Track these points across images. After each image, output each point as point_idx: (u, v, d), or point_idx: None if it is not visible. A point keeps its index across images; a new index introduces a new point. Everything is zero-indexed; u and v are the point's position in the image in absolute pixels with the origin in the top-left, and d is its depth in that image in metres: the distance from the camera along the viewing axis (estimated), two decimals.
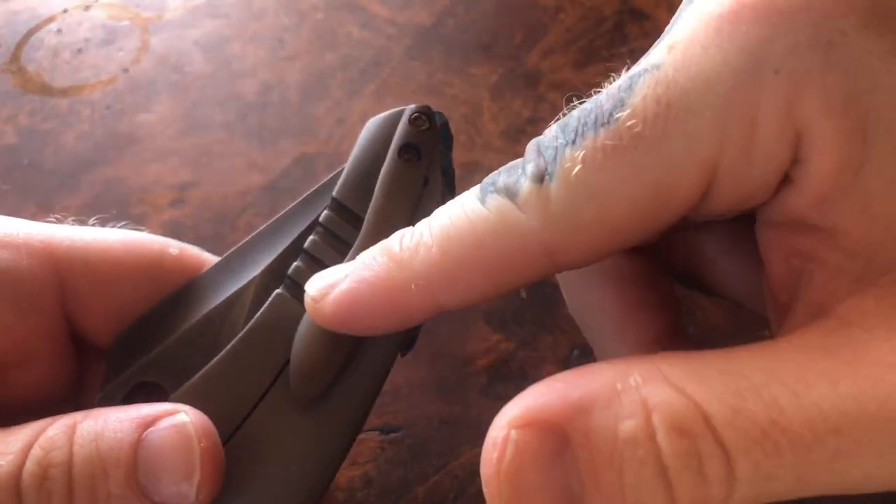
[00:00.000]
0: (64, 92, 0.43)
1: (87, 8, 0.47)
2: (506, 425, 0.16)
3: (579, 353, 0.33)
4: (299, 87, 0.43)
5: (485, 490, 0.16)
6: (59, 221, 0.24)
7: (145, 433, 0.20)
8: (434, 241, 0.19)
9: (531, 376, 0.32)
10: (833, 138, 0.17)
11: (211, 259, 0.25)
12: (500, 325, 0.34)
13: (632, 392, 0.16)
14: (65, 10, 0.47)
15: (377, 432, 0.31)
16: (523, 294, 0.35)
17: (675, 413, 0.15)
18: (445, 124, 0.25)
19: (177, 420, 0.20)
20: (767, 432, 0.15)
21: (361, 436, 0.31)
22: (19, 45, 0.45)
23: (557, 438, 0.16)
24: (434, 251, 0.19)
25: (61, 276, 0.23)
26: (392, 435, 0.31)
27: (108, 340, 0.24)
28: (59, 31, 0.46)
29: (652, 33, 0.45)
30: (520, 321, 0.34)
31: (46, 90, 0.43)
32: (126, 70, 0.44)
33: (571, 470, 0.16)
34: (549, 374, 0.33)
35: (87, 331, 0.24)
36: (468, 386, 0.32)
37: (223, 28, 0.46)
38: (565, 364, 0.32)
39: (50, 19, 0.47)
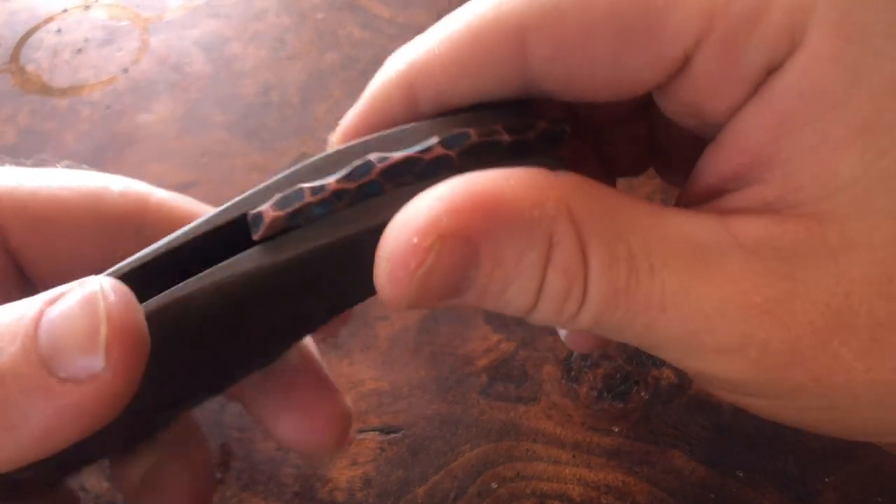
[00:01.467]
0: (63, 92, 0.43)
1: (86, 8, 0.47)
2: (433, 233, 0.17)
3: (579, 354, 0.33)
4: (299, 87, 0.43)
5: (387, 283, 0.18)
6: None
7: (48, 307, 0.17)
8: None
9: (531, 376, 0.32)
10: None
11: (167, 199, 0.24)
12: (500, 325, 0.34)
13: (544, 224, 0.18)
14: (64, 10, 0.47)
15: (377, 432, 0.31)
16: None
17: (569, 257, 0.18)
18: None
19: (84, 289, 0.17)
20: (619, 294, 0.18)
21: (361, 436, 0.31)
22: (19, 45, 0.45)
23: (471, 251, 0.18)
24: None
25: None
26: (392, 435, 0.31)
27: (54, 281, 0.21)
28: (58, 31, 0.46)
29: None
30: (520, 321, 0.34)
31: (46, 90, 0.43)
32: (126, 70, 0.44)
33: (471, 272, 0.18)
34: (549, 374, 0.33)
35: (33, 273, 0.23)
36: (468, 386, 0.32)
37: (223, 28, 0.46)
38: (565, 364, 0.33)
39: (50, 19, 0.47)
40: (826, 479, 0.29)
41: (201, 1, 0.47)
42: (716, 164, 0.20)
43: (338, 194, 0.19)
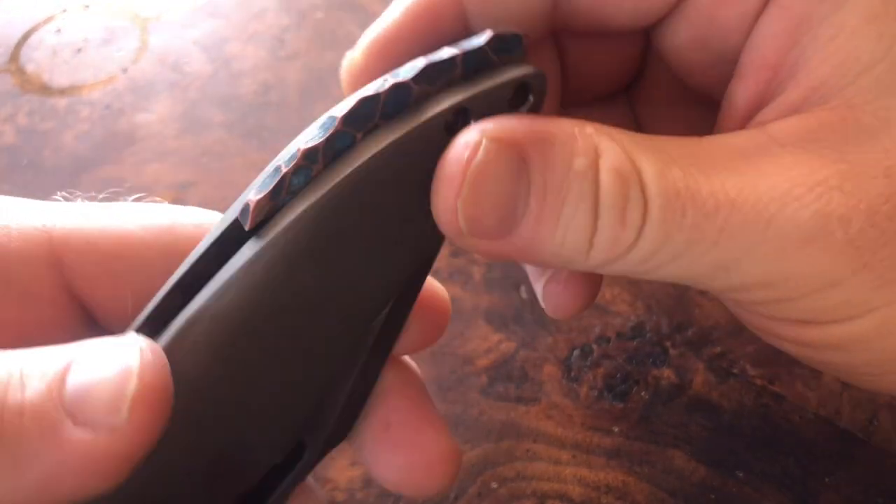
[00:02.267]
0: (63, 92, 0.43)
1: (86, 8, 0.47)
2: (480, 133, 0.18)
3: (579, 354, 0.33)
4: (299, 87, 0.43)
5: (440, 184, 0.18)
6: (67, 199, 0.22)
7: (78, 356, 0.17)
8: None
9: (531, 376, 0.32)
10: None
11: None
12: (500, 325, 0.34)
13: (587, 138, 0.18)
14: (64, 10, 0.47)
15: None
16: (524, 294, 0.35)
17: (618, 160, 0.18)
18: None
19: (118, 347, 0.17)
20: (681, 193, 0.18)
21: None
22: (18, 45, 0.45)
23: (519, 159, 0.18)
24: None
25: (60, 257, 0.21)
26: None
27: (125, 323, 0.21)
28: (58, 30, 0.46)
29: None
30: (520, 321, 0.34)
31: (45, 90, 0.43)
32: (125, 70, 0.44)
33: (522, 189, 0.18)
34: (550, 374, 0.33)
35: (100, 314, 0.22)
36: (468, 386, 0.32)
37: (222, 28, 0.46)
38: (565, 364, 0.32)
39: (49, 19, 0.47)
40: (826, 479, 0.29)
41: (201, 1, 0.47)
42: (743, 92, 0.20)
43: (309, 156, 0.18)
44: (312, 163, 0.18)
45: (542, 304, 0.25)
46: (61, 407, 0.16)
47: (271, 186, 0.18)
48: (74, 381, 0.16)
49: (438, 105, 0.18)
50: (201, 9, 0.47)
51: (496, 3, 0.20)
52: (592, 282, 0.24)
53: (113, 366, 0.16)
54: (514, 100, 0.19)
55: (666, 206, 0.18)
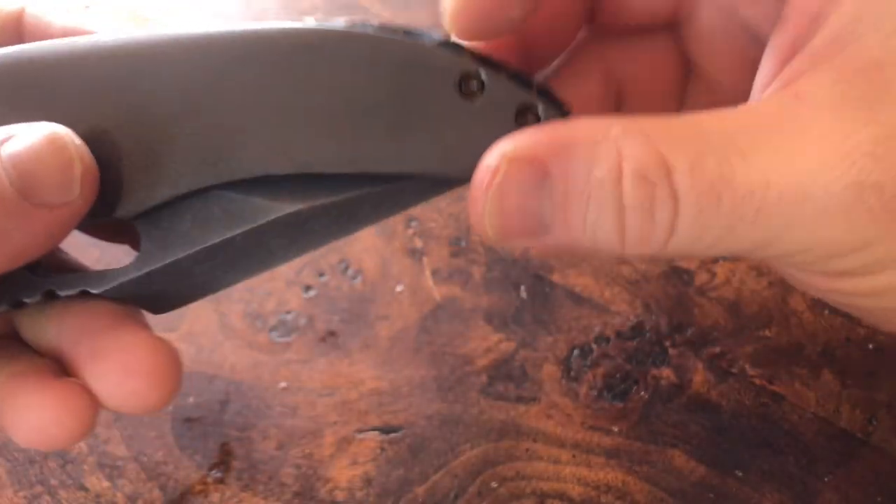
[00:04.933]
0: None
1: (86, 8, 0.47)
2: (499, 157, 0.19)
3: (579, 353, 0.33)
4: None
5: (470, 208, 0.20)
6: None
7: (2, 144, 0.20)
8: None
9: (531, 376, 0.32)
10: None
11: (42, 13, 0.26)
12: (500, 325, 0.34)
13: (610, 141, 0.18)
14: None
15: (377, 432, 0.31)
16: (524, 294, 0.35)
17: (643, 163, 0.18)
18: None
19: (46, 131, 0.21)
20: (715, 184, 0.18)
21: (361, 435, 0.31)
22: None
23: (540, 171, 0.19)
24: None
25: None
26: (392, 434, 0.31)
27: None
28: None
29: None
30: (520, 321, 0.34)
31: None
32: None
33: (546, 201, 0.19)
34: (549, 374, 0.33)
35: None
36: (468, 385, 0.32)
37: None
38: (565, 364, 0.33)
39: None
40: (826, 479, 0.29)
41: (201, 1, 0.47)
42: (783, 35, 0.21)
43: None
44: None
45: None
46: (16, 193, 0.20)
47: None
48: (13, 169, 0.20)
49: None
50: (202, 9, 0.47)
51: None
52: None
53: (51, 151, 0.21)
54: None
55: (699, 200, 0.18)
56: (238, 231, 0.22)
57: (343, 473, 0.30)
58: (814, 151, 0.18)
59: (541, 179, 0.19)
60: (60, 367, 0.24)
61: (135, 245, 0.26)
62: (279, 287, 0.35)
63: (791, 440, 0.30)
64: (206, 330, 0.34)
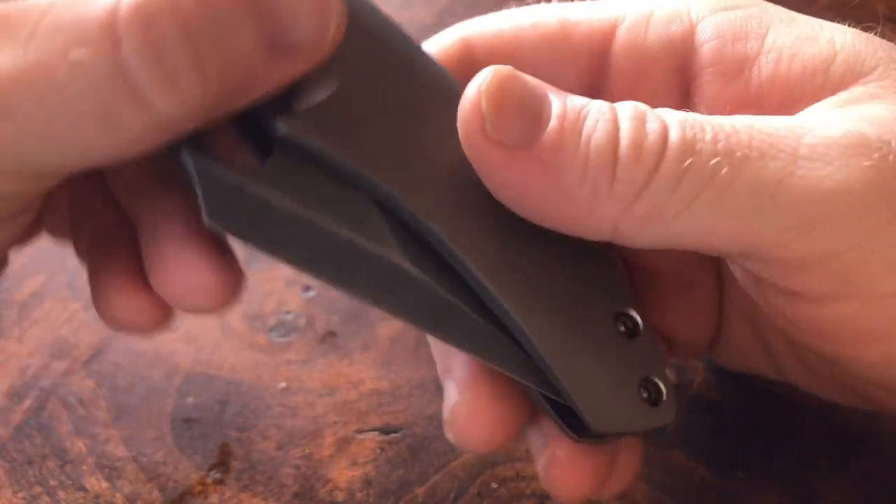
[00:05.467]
0: None
1: None
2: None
3: None
4: None
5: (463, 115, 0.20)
6: None
7: None
8: None
9: None
10: None
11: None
12: None
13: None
14: None
15: (377, 432, 0.31)
16: None
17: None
18: None
19: None
20: (698, 119, 0.20)
21: (361, 436, 0.31)
22: None
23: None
24: None
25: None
26: (392, 435, 0.31)
27: None
28: None
29: None
30: None
31: None
32: None
33: (545, 103, 0.20)
34: None
35: None
36: None
37: None
38: None
39: None
40: (826, 479, 0.29)
41: None
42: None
43: None
44: None
45: (547, 488, 0.24)
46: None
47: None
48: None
49: None
50: None
51: None
52: (598, 458, 0.23)
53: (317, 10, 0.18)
54: None
55: (684, 124, 0.19)
56: (346, 233, 0.20)
57: (343, 474, 0.30)
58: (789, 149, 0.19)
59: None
60: None
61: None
62: (279, 287, 0.35)
63: (791, 440, 0.30)
64: (205, 330, 0.34)
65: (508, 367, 0.22)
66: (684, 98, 0.24)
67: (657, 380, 0.22)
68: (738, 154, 0.19)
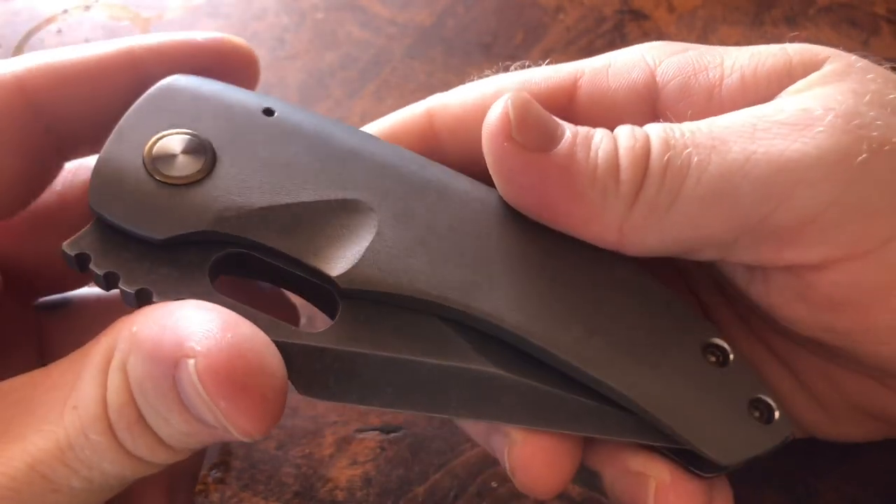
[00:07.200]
0: None
1: (87, 8, 0.47)
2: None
3: None
4: (299, 87, 0.43)
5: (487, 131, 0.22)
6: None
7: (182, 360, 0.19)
8: None
9: None
10: None
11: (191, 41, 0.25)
12: None
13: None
14: (65, 11, 0.47)
15: (377, 432, 0.31)
16: None
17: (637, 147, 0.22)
18: None
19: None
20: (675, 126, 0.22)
21: (361, 435, 0.31)
22: (19, 46, 0.45)
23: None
24: None
25: (32, 95, 0.23)
26: (392, 435, 0.31)
27: (97, 149, 0.23)
28: (59, 31, 0.46)
29: (652, 33, 0.45)
30: None
31: None
32: None
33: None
34: None
35: (72, 144, 0.25)
36: None
37: (223, 28, 0.46)
38: None
39: (50, 20, 0.47)
40: (826, 479, 0.29)
41: (201, 1, 0.47)
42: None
43: None
44: None
45: (511, 476, 0.23)
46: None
47: None
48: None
49: None
50: (201, 9, 0.47)
51: None
52: (566, 449, 0.23)
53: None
54: None
55: (660, 128, 0.22)
56: (431, 360, 0.21)
57: (343, 473, 0.30)
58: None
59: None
60: None
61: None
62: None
63: (791, 440, 0.30)
64: None
65: (621, 435, 0.22)
66: None
67: (764, 397, 0.22)
68: (706, 144, 0.21)
